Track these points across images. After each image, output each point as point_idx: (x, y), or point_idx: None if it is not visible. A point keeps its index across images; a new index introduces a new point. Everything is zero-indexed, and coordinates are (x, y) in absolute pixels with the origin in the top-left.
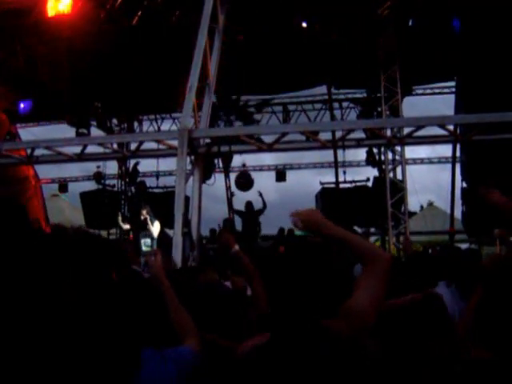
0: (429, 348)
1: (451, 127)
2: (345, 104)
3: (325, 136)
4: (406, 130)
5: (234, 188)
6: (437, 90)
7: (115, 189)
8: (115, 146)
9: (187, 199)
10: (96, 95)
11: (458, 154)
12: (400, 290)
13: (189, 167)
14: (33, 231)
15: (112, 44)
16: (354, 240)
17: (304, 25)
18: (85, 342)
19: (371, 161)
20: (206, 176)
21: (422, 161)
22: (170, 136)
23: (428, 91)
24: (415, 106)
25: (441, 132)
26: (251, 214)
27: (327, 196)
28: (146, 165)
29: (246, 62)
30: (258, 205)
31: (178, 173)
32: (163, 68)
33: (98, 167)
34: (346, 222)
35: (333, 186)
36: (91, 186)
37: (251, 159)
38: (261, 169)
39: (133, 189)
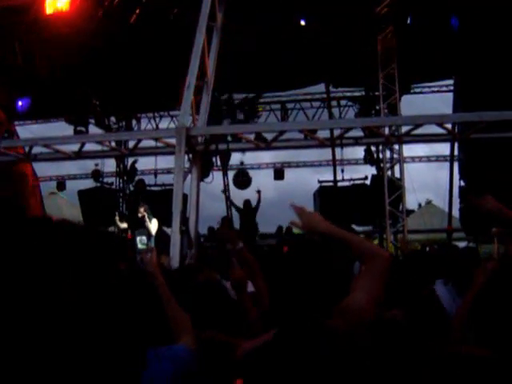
0: (429, 348)
1: (449, 126)
2: (343, 102)
3: (323, 134)
4: (404, 129)
5: (231, 186)
6: (435, 89)
7: (113, 187)
8: (113, 143)
9: (185, 197)
10: (94, 93)
11: (456, 152)
12: (397, 288)
13: (187, 165)
14: (31, 228)
15: (110, 42)
16: (353, 239)
17: (302, 23)
18: (90, 341)
19: (369, 159)
20: (203, 174)
21: (420, 159)
22: (168, 134)
23: (426, 89)
24: (413, 104)
25: (439, 130)
26: (249, 212)
27: (325, 194)
28: (144, 163)
29: (244, 60)
30: (255, 203)
31: (176, 171)
32: (161, 66)
33: (96, 165)
34: (343, 220)
35: (331, 184)
36: (89, 184)
37: (249, 157)
38: (259, 167)
39: (131, 187)
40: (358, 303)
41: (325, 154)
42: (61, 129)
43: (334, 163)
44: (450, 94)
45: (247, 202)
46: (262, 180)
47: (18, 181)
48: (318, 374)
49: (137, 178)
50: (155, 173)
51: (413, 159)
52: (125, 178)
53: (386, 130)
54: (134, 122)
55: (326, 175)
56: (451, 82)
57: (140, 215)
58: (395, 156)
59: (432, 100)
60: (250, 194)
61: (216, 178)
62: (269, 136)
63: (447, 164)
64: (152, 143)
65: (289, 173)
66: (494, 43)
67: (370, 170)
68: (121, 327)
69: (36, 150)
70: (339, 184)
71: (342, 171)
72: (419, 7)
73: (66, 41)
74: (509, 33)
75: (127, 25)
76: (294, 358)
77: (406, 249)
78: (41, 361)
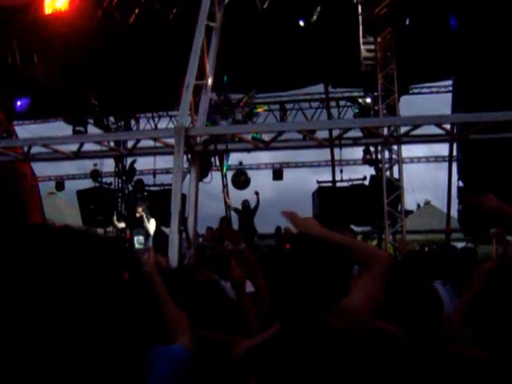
0: (429, 348)
1: (448, 126)
2: (342, 103)
3: (322, 134)
4: (403, 129)
5: (230, 186)
6: (434, 89)
7: (112, 187)
8: (112, 143)
9: (184, 197)
10: (93, 93)
11: (454, 153)
12: (396, 288)
13: (186, 165)
14: (32, 230)
15: (109, 42)
16: (351, 243)
17: (301, 23)
18: (91, 342)
19: (368, 159)
20: (202, 174)
21: (418, 160)
22: (167, 134)
23: (425, 90)
24: (412, 104)
25: (437, 131)
26: (248, 213)
27: (324, 195)
28: (142, 163)
29: (242, 61)
30: (253, 204)
31: (175, 171)
32: (160, 66)
33: (95, 165)
34: (342, 221)
35: (330, 184)
36: (88, 184)
37: (248, 157)
38: (258, 167)
39: (130, 187)
40: (356, 304)
41: (324, 154)
42: (60, 129)
43: (332, 164)
44: (449, 95)
45: (245, 203)
46: (260, 180)
47: (16, 181)
48: (317, 372)
49: (135, 178)
50: (154, 173)
51: (411, 160)
52: (123, 178)
53: (385, 131)
54: (132, 122)
55: (325, 175)
56: (450, 82)
57: (138, 215)
58: (394, 156)
59: (431, 100)
60: (248, 194)
61: (215, 178)
62: (268, 136)
63: (446, 165)
64: (151, 143)
65: (288, 173)
66: (493, 44)
67: (368, 171)
68: (122, 328)
69: (35, 149)
70: (338, 184)
71: (341, 172)
72: (418, 8)
73: (65, 41)
74: (508, 33)
75: (126, 25)
76: (294, 357)
77: (405, 249)
78: (42, 361)
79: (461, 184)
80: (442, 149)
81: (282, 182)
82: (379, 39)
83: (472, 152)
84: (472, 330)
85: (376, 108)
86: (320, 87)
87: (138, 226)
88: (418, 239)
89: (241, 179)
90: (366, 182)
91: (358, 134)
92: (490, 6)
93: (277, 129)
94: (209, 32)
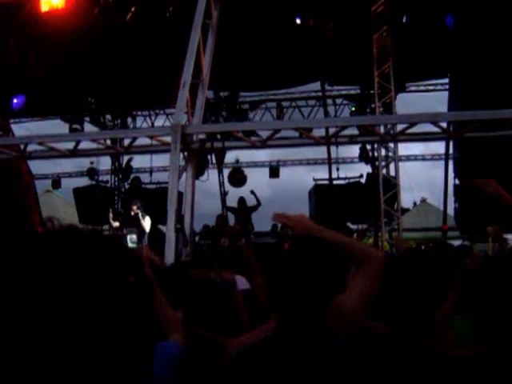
0: (426, 348)
1: (444, 124)
2: (338, 101)
3: (318, 132)
4: (399, 127)
5: (227, 184)
6: (430, 87)
7: (109, 185)
8: (108, 141)
9: (180, 195)
10: (89, 91)
11: (451, 150)
12: (392, 285)
13: (182, 163)
14: (32, 231)
15: (106, 39)
16: (346, 242)
17: (298, 21)
18: (92, 342)
19: (364, 157)
20: (199, 172)
21: (415, 158)
22: (164, 132)
23: (421, 88)
24: (409, 103)
25: (434, 129)
26: (244, 211)
27: (320, 192)
28: (139, 161)
29: (239, 59)
30: (250, 202)
31: (171, 169)
32: (157, 64)
33: (92, 163)
34: (339, 219)
35: (326, 182)
36: (84, 181)
37: (244, 155)
38: (254, 165)
39: (126, 184)
40: (350, 303)
41: (320, 152)
42: (56, 127)
43: (329, 161)
44: (446, 93)
45: (242, 200)
46: (257, 178)
47: (13, 179)
48: (312, 372)
49: (132, 175)
50: (150, 171)
51: (408, 158)
52: (120, 175)
53: (382, 129)
54: (129, 119)
55: (321, 173)
56: (446, 80)
57: (133, 213)
58: (390, 154)
59: (428, 99)
60: (245, 192)
61: (211, 176)
62: (264, 134)
63: (442, 163)
64: (147, 141)
65: (284, 171)
66: (489, 42)
67: (365, 169)
68: (122, 328)
69: (31, 147)
70: (334, 182)
71: (338, 169)
72: (414, 6)
73: (62, 38)
74: (504, 31)
75: (123, 23)
76: (288, 357)
77: (402, 247)
78: (42, 362)
79: (457, 182)
80: (439, 147)
81: (279, 179)
82: (375, 37)
83: (468, 150)
84: (470, 320)
85: (372, 106)
86: (316, 85)
87: (131, 224)
88: (415, 237)
89: (237, 177)
90: (363, 180)
91: (354, 131)
92: (486, 4)
93: (273, 127)
94: (205, 30)
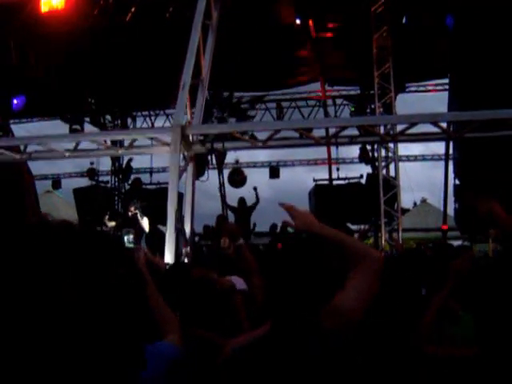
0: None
1: (444, 124)
2: (338, 101)
3: (318, 133)
4: (399, 127)
5: (227, 184)
6: (430, 88)
7: (109, 185)
8: (109, 142)
9: (180, 195)
10: (89, 92)
11: (451, 151)
12: (391, 286)
13: (182, 164)
14: (31, 228)
15: (106, 40)
16: (346, 240)
17: (298, 22)
18: (91, 342)
19: (364, 158)
20: (199, 172)
21: (415, 158)
22: (163, 132)
23: (421, 88)
24: (408, 103)
25: (434, 129)
26: (244, 210)
27: (320, 193)
28: (139, 161)
29: (239, 59)
30: (250, 201)
31: (171, 169)
32: (157, 64)
33: (92, 164)
34: (339, 219)
35: (326, 182)
36: (85, 182)
37: (245, 156)
38: (254, 165)
39: (126, 185)
40: (347, 303)
41: (320, 152)
42: (56, 127)
43: (329, 162)
44: (446, 93)
45: (242, 200)
46: (257, 178)
47: (13, 179)
48: (308, 372)
49: (132, 176)
50: (150, 171)
51: (408, 158)
52: (120, 176)
53: (381, 129)
54: (129, 120)
55: (321, 174)
56: (446, 80)
57: (131, 214)
58: (390, 155)
59: (428, 99)
60: (245, 192)
61: (211, 177)
62: (264, 135)
63: (442, 163)
64: (147, 142)
65: (284, 171)
66: (489, 42)
67: (365, 169)
68: (121, 327)
69: (31, 148)
70: (334, 182)
71: (338, 170)
72: (414, 6)
73: (62, 39)
74: (504, 31)
75: (123, 23)
76: (285, 357)
77: (401, 248)
78: (42, 361)
79: (457, 182)
80: (439, 147)
81: (279, 180)
82: (375, 37)
83: (468, 150)
84: (471, 315)
85: (372, 106)
86: (317, 85)
87: (129, 224)
88: (415, 237)
89: (237, 177)
90: (363, 181)
91: (354, 132)
92: (486, 4)
93: (273, 127)
94: (205, 30)
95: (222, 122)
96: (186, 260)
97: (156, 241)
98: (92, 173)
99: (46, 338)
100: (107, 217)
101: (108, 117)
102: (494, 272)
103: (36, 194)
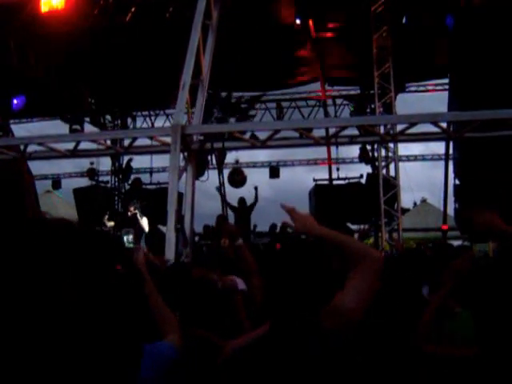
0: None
1: (444, 124)
2: (338, 101)
3: (318, 133)
4: (399, 127)
5: (226, 185)
6: (430, 88)
7: (109, 185)
8: (108, 142)
9: (180, 195)
10: (89, 91)
11: (451, 151)
12: (391, 286)
13: (182, 163)
14: (31, 228)
15: (106, 40)
16: (345, 241)
17: (298, 22)
18: (91, 341)
19: (364, 158)
20: (199, 172)
21: (415, 158)
22: (163, 132)
23: (421, 88)
24: (408, 103)
25: (434, 129)
26: (244, 210)
27: (320, 193)
28: (139, 161)
29: (239, 59)
30: (250, 201)
31: (171, 169)
32: (157, 64)
33: (92, 163)
34: (339, 219)
35: (326, 182)
36: (85, 182)
37: (245, 156)
38: (254, 165)
39: (126, 185)
40: (347, 303)
41: (320, 152)
42: (56, 127)
43: (329, 162)
44: (446, 93)
45: (242, 200)
46: (257, 178)
47: (13, 179)
48: (308, 372)
49: (132, 176)
50: (150, 171)
51: (408, 158)
52: (120, 176)
53: (381, 129)
54: (129, 120)
55: (322, 174)
56: (446, 80)
57: (130, 214)
58: (390, 154)
59: (427, 99)
60: (244, 192)
61: (211, 177)
62: (264, 134)
63: (442, 163)
64: (147, 141)
65: (284, 171)
66: (489, 42)
67: (365, 169)
68: (119, 326)
69: (31, 148)
70: (334, 182)
71: (338, 170)
72: (414, 6)
73: (62, 39)
74: (504, 31)
75: (123, 23)
76: (285, 357)
77: (401, 248)
78: (41, 361)
79: (457, 182)
80: (439, 147)
81: (279, 180)
82: (375, 37)
83: (468, 150)
84: (470, 313)
85: (372, 106)
86: (317, 85)
87: (129, 224)
88: (415, 237)
89: (237, 177)
90: (363, 180)
91: (354, 132)
92: (486, 4)
93: (273, 127)
94: (205, 30)
95: (222, 122)
96: (185, 260)
97: (156, 241)
98: (92, 173)
99: (46, 336)
100: (106, 217)
101: (108, 117)
102: (493, 271)
103: (36, 194)
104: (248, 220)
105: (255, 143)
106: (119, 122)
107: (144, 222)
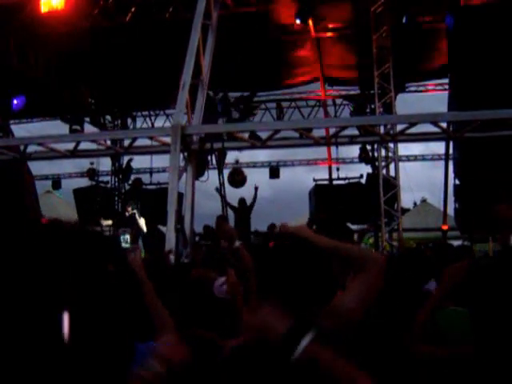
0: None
1: (444, 124)
2: (338, 101)
3: (318, 133)
4: (399, 127)
5: (226, 185)
6: (430, 88)
7: (109, 185)
8: (108, 142)
9: (180, 196)
10: (89, 92)
11: (450, 151)
12: (392, 286)
13: (182, 164)
14: (30, 228)
15: (106, 40)
16: (345, 249)
17: (298, 22)
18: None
19: (364, 158)
20: (199, 173)
21: (415, 158)
22: (163, 132)
23: (421, 88)
24: (408, 103)
25: (434, 129)
26: (244, 210)
27: (320, 193)
28: (139, 161)
29: (239, 59)
30: (249, 200)
31: (171, 169)
32: (157, 64)
33: (92, 164)
34: (339, 219)
35: (326, 182)
36: (85, 182)
37: (245, 156)
38: (254, 165)
39: (126, 185)
40: (347, 305)
41: (320, 152)
42: (56, 127)
43: (329, 162)
44: (446, 93)
45: (242, 201)
46: (257, 178)
47: (13, 179)
48: (308, 371)
49: (132, 176)
50: (150, 171)
51: (408, 158)
52: (120, 176)
53: (381, 129)
54: (129, 120)
55: (322, 174)
56: (446, 80)
57: (128, 214)
58: (390, 154)
59: (428, 99)
60: (244, 192)
61: (211, 177)
62: (264, 134)
63: (442, 163)
64: (147, 142)
65: (284, 171)
66: (489, 42)
67: (365, 169)
68: (118, 327)
69: (31, 148)
70: (334, 182)
71: (338, 170)
72: (414, 6)
73: (62, 39)
74: (504, 31)
75: (123, 23)
76: (284, 357)
77: (403, 247)
78: (41, 361)
79: (457, 182)
80: (439, 147)
81: (279, 180)
82: (375, 37)
83: (468, 150)
84: (466, 310)
85: (372, 106)
86: (317, 85)
87: (127, 224)
88: (415, 237)
89: (237, 178)
90: (363, 180)
91: (354, 132)
92: (485, 4)
93: (273, 127)
94: (205, 30)
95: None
96: (185, 260)
97: (155, 241)
98: (92, 173)
99: (46, 336)
100: (102, 218)
101: (108, 117)
102: (492, 270)
103: (36, 194)
104: (248, 220)
105: (255, 143)
106: (119, 122)
107: (142, 222)
